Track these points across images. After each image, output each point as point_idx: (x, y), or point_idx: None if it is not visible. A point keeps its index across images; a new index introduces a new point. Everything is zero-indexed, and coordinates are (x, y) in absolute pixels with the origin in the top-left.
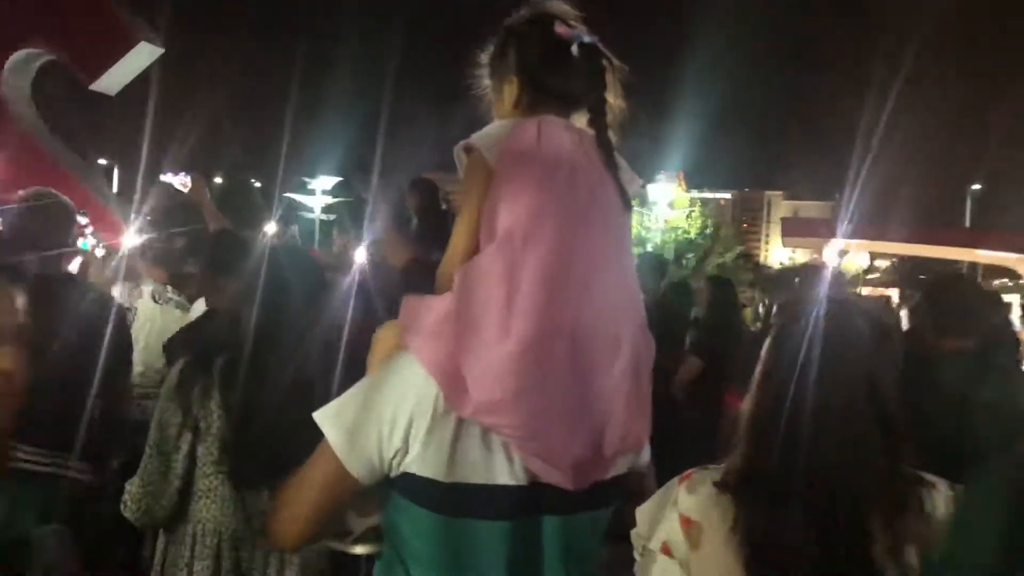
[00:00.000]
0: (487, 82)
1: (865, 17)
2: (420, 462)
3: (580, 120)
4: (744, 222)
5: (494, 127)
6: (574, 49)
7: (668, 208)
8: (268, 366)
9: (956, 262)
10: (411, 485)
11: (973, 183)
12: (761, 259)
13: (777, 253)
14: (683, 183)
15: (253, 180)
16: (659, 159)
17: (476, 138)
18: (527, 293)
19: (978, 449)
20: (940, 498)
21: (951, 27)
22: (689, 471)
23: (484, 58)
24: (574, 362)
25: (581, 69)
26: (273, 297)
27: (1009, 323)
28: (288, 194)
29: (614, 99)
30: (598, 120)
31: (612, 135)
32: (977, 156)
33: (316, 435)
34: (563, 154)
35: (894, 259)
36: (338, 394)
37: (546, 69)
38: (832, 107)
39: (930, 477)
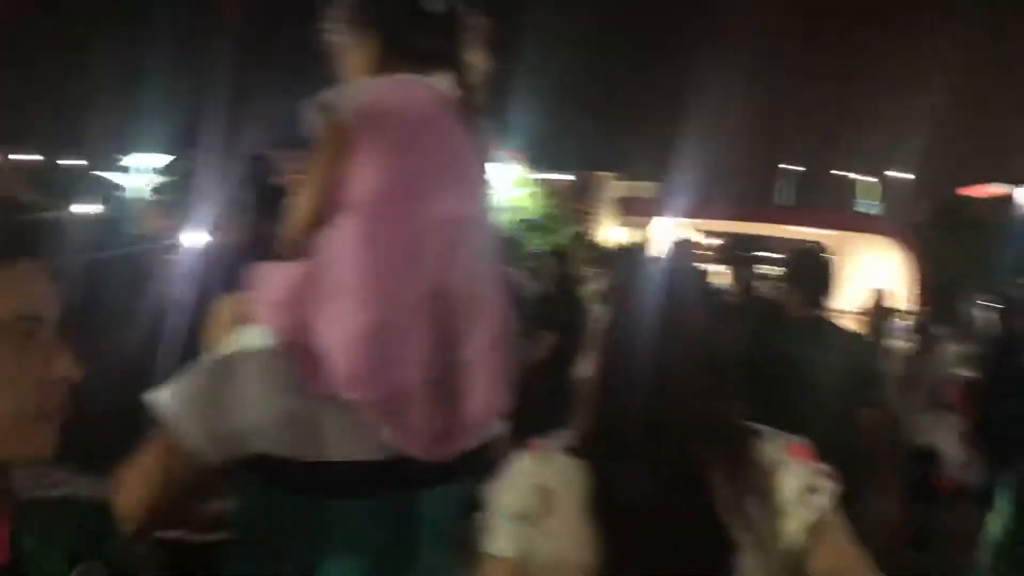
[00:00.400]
0: (340, 39)
1: (692, 5)
2: (275, 441)
3: (441, 81)
4: (580, 203)
5: (351, 86)
6: (435, 5)
7: (510, 188)
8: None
9: (772, 238)
10: (266, 465)
11: (787, 163)
12: (597, 239)
13: (611, 233)
14: (526, 164)
15: (78, 159)
16: (500, 139)
17: (331, 96)
18: (386, 262)
19: (821, 404)
20: (775, 449)
21: (767, 18)
22: (533, 440)
23: (336, 14)
24: (435, 333)
25: (441, 27)
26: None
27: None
28: (99, 172)
29: (476, 59)
30: (458, 80)
31: (474, 96)
32: (791, 137)
33: (138, 422)
34: (423, 116)
35: (726, 237)
36: (168, 377)
37: (405, 26)
38: (663, 91)
39: (767, 429)
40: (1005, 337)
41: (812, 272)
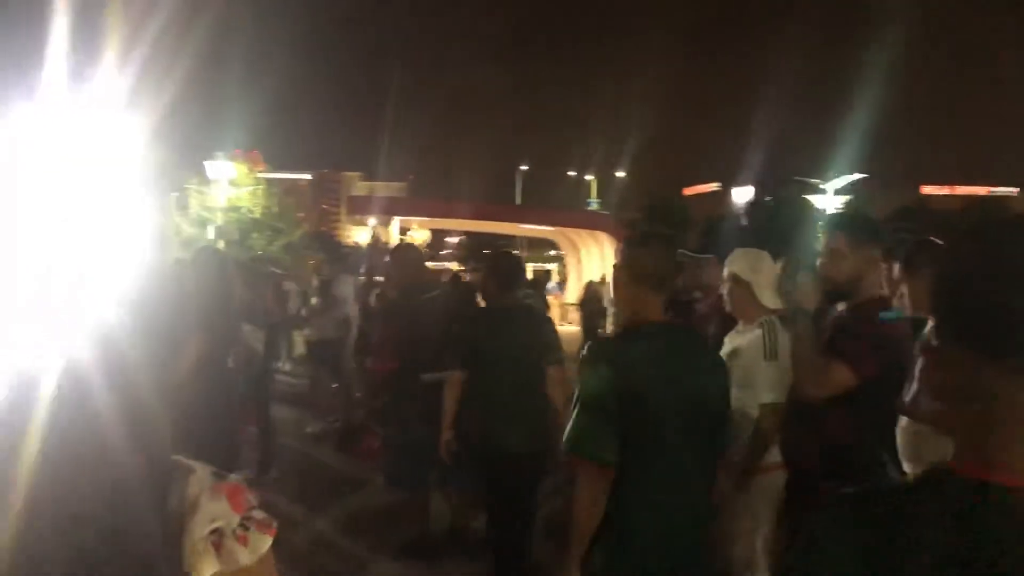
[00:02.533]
0: None
1: (435, 7)
2: None
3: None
4: (324, 203)
5: None
6: None
7: (231, 187)
8: None
9: (510, 236)
10: None
11: (522, 164)
12: (342, 239)
13: (357, 233)
14: (260, 162)
15: None
16: (220, 136)
17: None
18: None
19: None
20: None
21: (505, 22)
22: None
23: None
24: None
25: None
26: None
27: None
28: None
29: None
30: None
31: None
32: (525, 141)
33: None
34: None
35: (463, 236)
36: None
37: None
38: (409, 93)
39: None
40: None
41: (506, 267)
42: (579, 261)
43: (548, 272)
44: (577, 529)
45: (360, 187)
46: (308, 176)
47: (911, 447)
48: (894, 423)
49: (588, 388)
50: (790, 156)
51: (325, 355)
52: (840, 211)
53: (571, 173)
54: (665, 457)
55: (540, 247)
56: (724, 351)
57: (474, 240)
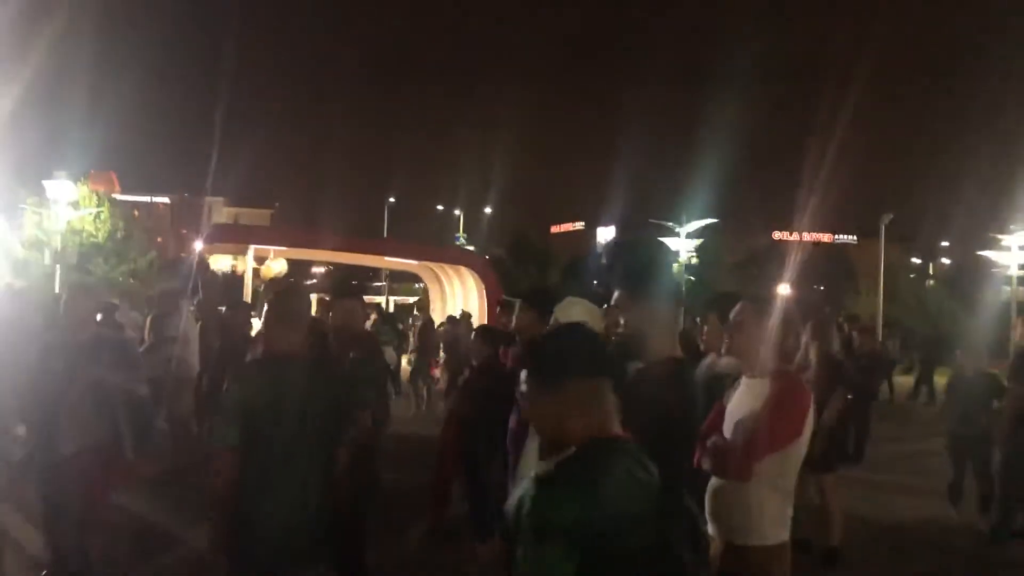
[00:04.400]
0: None
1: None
2: None
3: None
4: (184, 227)
5: None
6: None
7: (71, 208)
8: None
9: (376, 269)
10: None
11: (390, 197)
12: (202, 267)
13: (220, 260)
14: (114, 184)
15: None
16: (66, 154)
17: None
18: None
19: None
20: None
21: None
22: None
23: None
24: None
25: None
26: None
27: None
28: None
29: None
30: None
31: None
32: (392, 173)
33: None
34: None
35: (329, 267)
36: None
37: None
38: (276, 120)
39: None
40: None
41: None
42: (442, 295)
43: (411, 306)
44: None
45: (225, 213)
46: (167, 199)
47: None
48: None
49: None
50: (650, 199)
51: (156, 397)
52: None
53: (439, 207)
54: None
55: (404, 280)
56: None
57: (340, 271)
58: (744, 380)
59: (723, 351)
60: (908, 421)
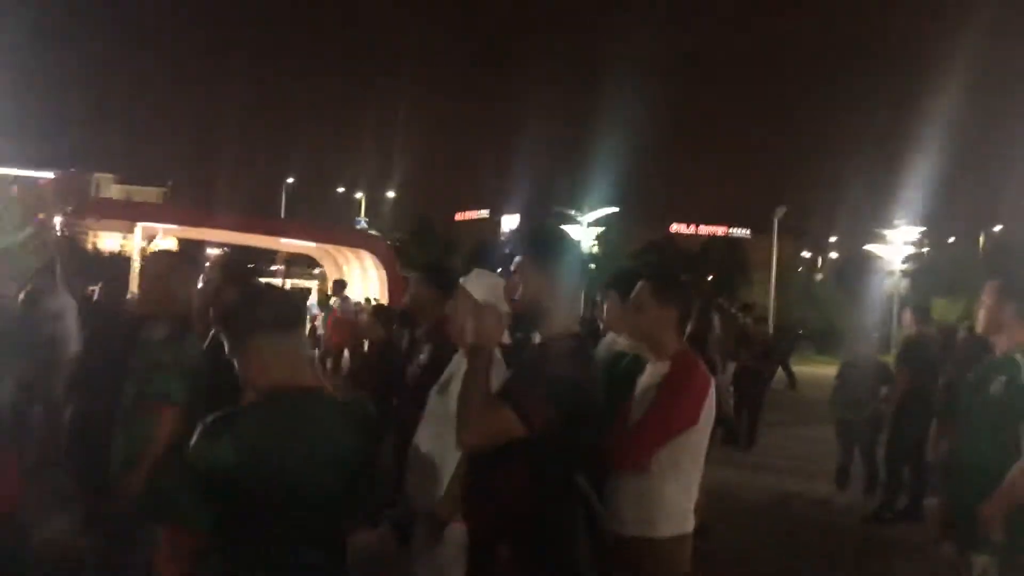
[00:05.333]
0: None
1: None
2: None
3: None
4: (70, 204)
5: None
6: None
7: None
8: None
9: (273, 252)
10: None
11: (288, 177)
12: (92, 243)
13: (108, 240)
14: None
15: None
16: None
17: None
18: None
19: None
20: None
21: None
22: None
23: None
24: None
25: None
26: None
27: None
28: None
29: None
30: None
31: None
32: (292, 155)
33: None
34: None
35: (224, 248)
36: None
37: None
38: (170, 95)
39: None
40: None
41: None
42: (348, 275)
43: (307, 290)
44: None
45: (114, 190)
46: (50, 174)
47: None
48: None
49: None
50: (554, 187)
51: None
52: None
53: (340, 190)
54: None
55: (301, 264)
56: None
57: (237, 253)
58: (648, 364)
59: (625, 332)
60: (796, 407)
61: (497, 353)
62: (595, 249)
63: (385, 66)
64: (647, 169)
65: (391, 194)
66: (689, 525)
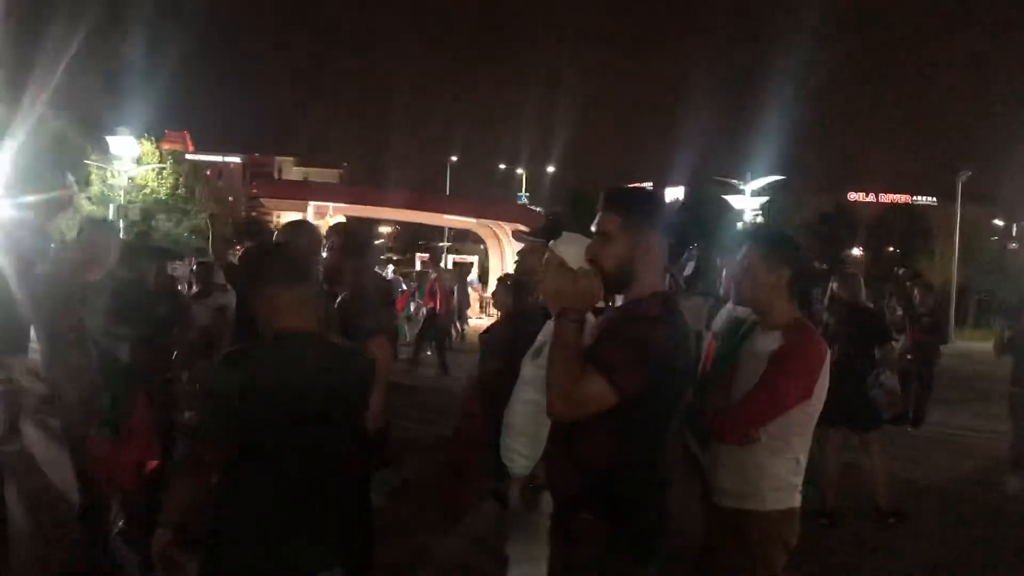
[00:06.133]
0: None
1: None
2: None
3: None
4: (253, 186)
5: None
6: None
7: (134, 164)
8: None
9: (440, 229)
10: None
11: (453, 156)
12: (274, 223)
13: (287, 219)
14: (190, 143)
15: None
16: (120, 112)
17: None
18: None
19: None
20: None
21: (432, 23)
22: None
23: None
24: None
25: None
26: None
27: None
28: None
29: None
30: None
31: None
32: (458, 133)
33: None
34: None
35: (396, 226)
36: None
37: None
38: (344, 79)
39: None
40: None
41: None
42: (502, 255)
43: (470, 264)
44: None
45: (294, 173)
46: (238, 159)
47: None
48: (667, 441)
49: None
50: (718, 157)
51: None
52: (618, 188)
53: (501, 167)
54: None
55: (466, 240)
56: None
57: (407, 229)
58: (757, 331)
59: (732, 298)
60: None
61: (590, 317)
62: (758, 219)
63: (544, 41)
64: (818, 135)
65: (551, 169)
66: (795, 499)
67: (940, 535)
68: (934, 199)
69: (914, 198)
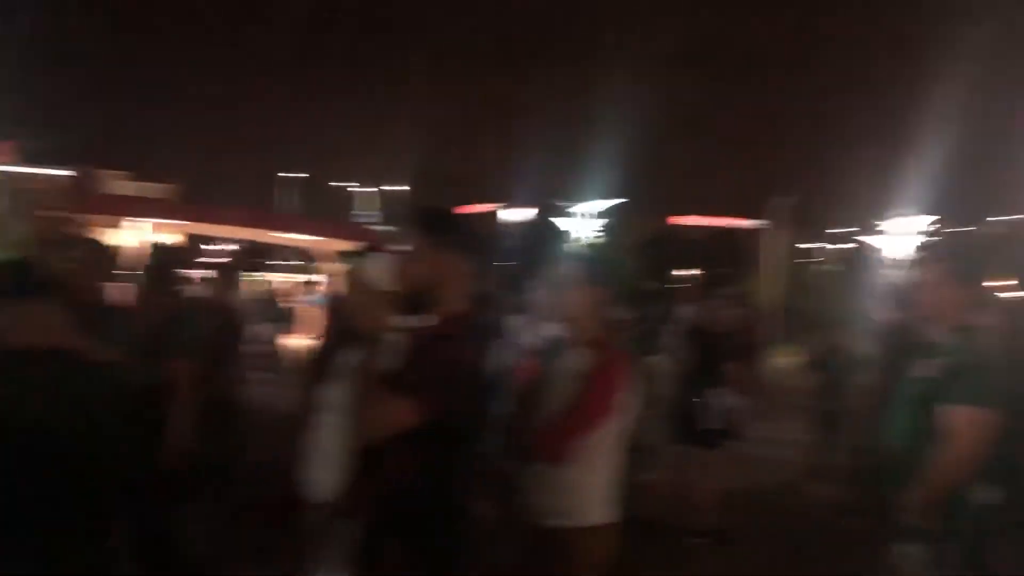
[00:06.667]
0: None
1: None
2: None
3: None
4: (71, 201)
5: None
6: None
7: None
8: None
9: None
10: None
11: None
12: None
13: (125, 235)
14: (12, 156)
15: None
16: None
17: None
18: None
19: None
20: None
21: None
22: None
23: None
24: None
25: None
26: None
27: None
28: None
29: None
30: None
31: None
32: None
33: None
34: None
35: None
36: None
37: None
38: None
39: None
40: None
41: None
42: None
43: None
44: None
45: (126, 187)
46: (64, 172)
47: None
48: (469, 464)
49: None
50: (555, 181)
51: None
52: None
53: (346, 185)
54: None
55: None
56: None
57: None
58: (568, 349)
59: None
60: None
61: (393, 338)
62: (595, 242)
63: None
64: (648, 160)
65: (393, 187)
66: (612, 514)
67: (757, 544)
68: (756, 222)
69: (737, 221)
